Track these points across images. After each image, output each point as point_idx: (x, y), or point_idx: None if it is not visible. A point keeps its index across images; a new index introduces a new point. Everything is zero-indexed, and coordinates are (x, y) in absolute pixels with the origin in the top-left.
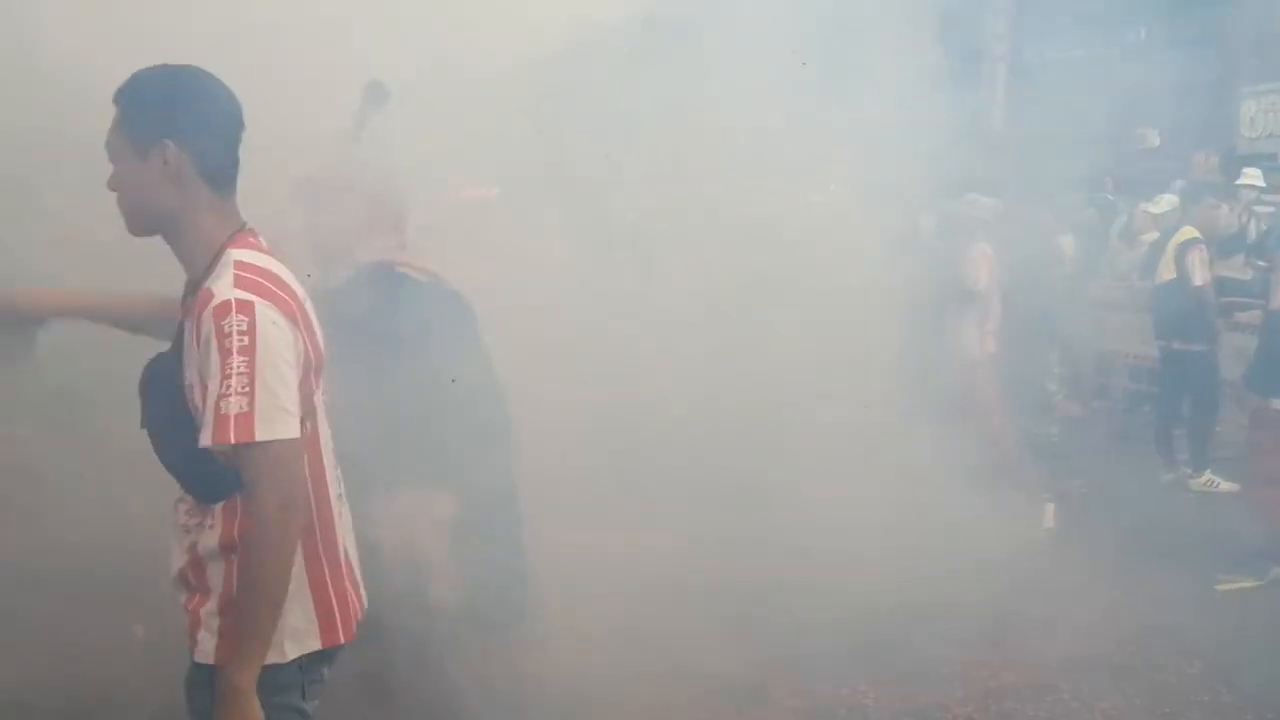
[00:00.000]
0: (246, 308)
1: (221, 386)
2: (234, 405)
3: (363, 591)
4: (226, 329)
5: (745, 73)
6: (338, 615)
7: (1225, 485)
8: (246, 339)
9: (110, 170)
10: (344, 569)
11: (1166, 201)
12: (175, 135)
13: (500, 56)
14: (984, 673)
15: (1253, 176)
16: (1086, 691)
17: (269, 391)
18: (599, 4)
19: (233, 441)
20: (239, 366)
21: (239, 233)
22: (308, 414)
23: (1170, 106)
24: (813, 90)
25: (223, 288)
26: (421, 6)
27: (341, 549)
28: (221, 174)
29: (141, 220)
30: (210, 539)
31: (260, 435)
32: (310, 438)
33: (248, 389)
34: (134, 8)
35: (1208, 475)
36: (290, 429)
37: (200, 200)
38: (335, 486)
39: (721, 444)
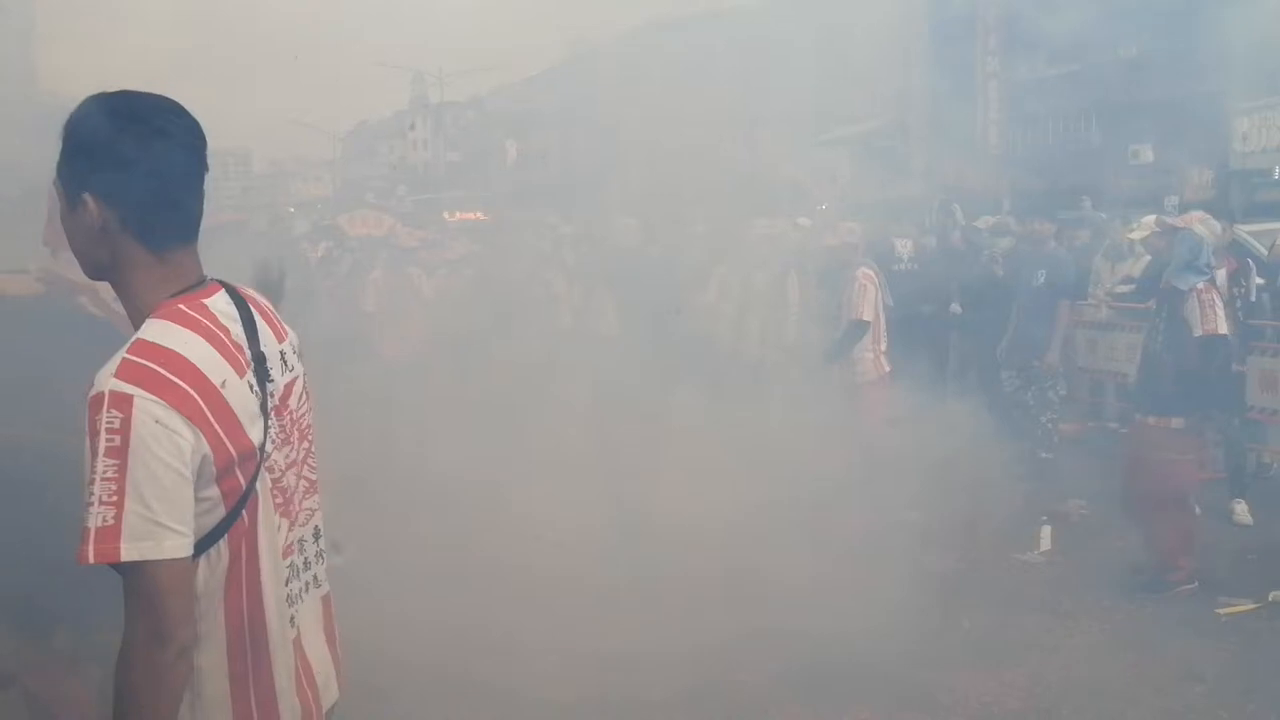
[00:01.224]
0: (122, 402)
1: (88, 493)
2: (96, 517)
3: (324, 691)
4: (97, 425)
5: (731, 94)
6: None
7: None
8: (118, 438)
9: None
10: (279, 691)
11: (1145, 225)
12: (95, 189)
13: (483, 78)
14: (986, 698)
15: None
16: (1090, 716)
17: (140, 502)
18: (588, 25)
19: (91, 561)
20: (106, 471)
21: (175, 295)
22: (243, 507)
23: (1163, 122)
24: (805, 111)
25: (103, 375)
26: (406, 29)
27: (283, 665)
28: (160, 230)
29: (87, 268)
30: None
31: (126, 555)
32: (244, 531)
33: (114, 498)
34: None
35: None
36: (168, 548)
37: (134, 258)
38: (279, 586)
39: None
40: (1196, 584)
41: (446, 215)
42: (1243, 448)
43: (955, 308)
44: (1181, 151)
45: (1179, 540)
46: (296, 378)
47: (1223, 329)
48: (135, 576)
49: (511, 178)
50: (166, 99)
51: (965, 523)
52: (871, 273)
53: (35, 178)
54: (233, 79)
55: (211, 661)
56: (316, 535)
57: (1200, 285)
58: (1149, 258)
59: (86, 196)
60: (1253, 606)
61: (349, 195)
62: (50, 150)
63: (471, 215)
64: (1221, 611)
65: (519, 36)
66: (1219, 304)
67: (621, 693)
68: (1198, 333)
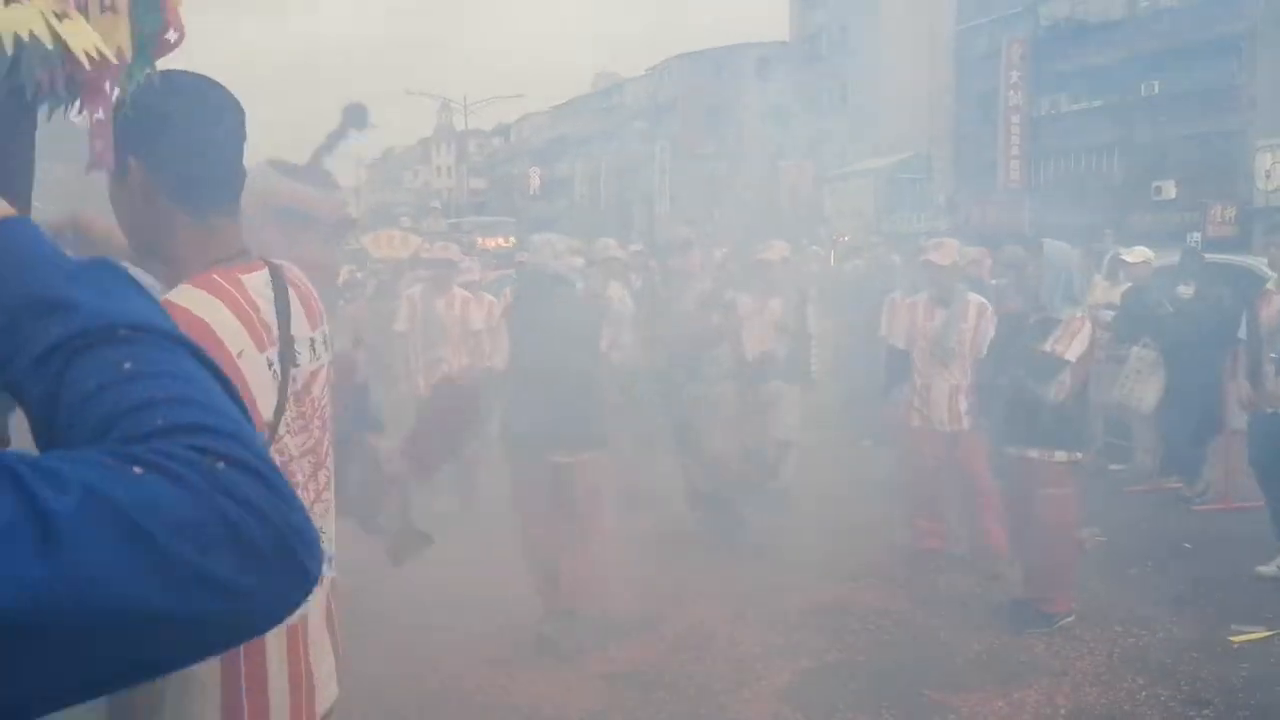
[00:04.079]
0: None
1: None
2: None
3: (322, 689)
4: None
5: (757, 125)
6: None
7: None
8: None
9: None
10: (271, 675)
11: (1139, 253)
12: (140, 151)
13: (509, 106)
14: (993, 718)
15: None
16: None
17: None
18: (614, 57)
19: None
20: None
21: (213, 265)
22: None
23: (1185, 159)
24: (831, 143)
25: None
26: (433, 57)
27: (275, 649)
28: (200, 194)
29: (134, 242)
30: None
31: None
32: None
33: None
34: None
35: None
36: None
37: (176, 225)
38: None
39: None
40: (1073, 616)
41: (479, 240)
42: None
43: None
44: (1204, 188)
45: (1058, 573)
46: (323, 366)
47: (1070, 356)
48: None
49: (535, 205)
50: (201, 74)
51: (979, 547)
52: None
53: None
54: (259, 104)
55: None
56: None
57: (1079, 314)
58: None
59: (131, 160)
60: (1266, 634)
61: (374, 221)
62: None
63: (494, 241)
64: (1234, 639)
65: (545, 67)
66: (1084, 335)
67: (626, 707)
68: (1046, 348)
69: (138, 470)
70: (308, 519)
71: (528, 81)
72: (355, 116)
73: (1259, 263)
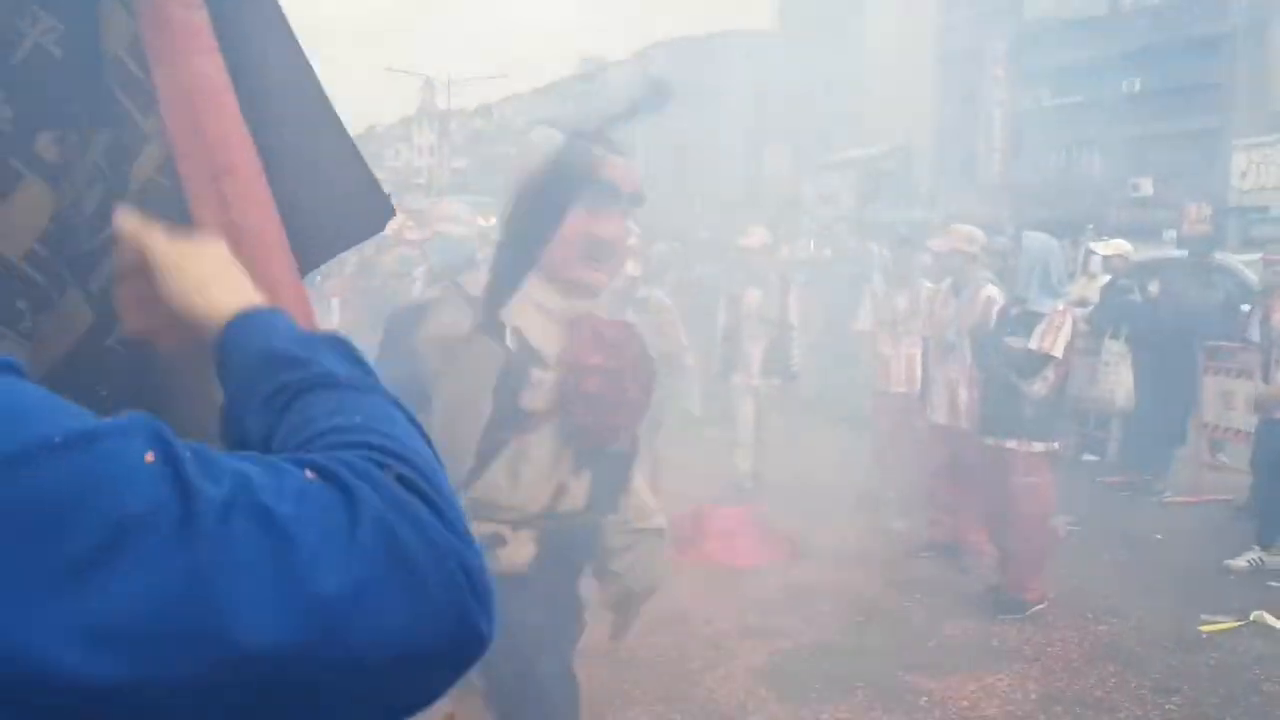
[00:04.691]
0: None
1: None
2: None
3: None
4: None
5: (740, 113)
6: None
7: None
8: None
9: None
10: None
11: (1114, 246)
12: None
13: (492, 86)
14: (963, 703)
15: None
16: None
17: None
18: (599, 40)
19: None
20: None
21: None
22: None
23: (1163, 156)
24: (813, 133)
25: None
26: (416, 35)
27: None
28: None
29: None
30: None
31: None
32: None
33: None
34: None
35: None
36: None
37: None
38: None
39: None
40: (1046, 603)
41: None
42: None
43: None
44: (1181, 186)
45: (1033, 563)
46: None
47: (1056, 352)
48: None
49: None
50: None
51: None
52: (999, 293)
53: None
54: None
55: None
56: None
57: (1060, 307)
58: (1105, 279)
59: None
60: (1235, 624)
61: None
62: None
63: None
64: (1204, 629)
65: (530, 48)
66: (1067, 328)
67: (599, 687)
68: (1032, 345)
69: (309, 475)
70: (486, 568)
71: (511, 62)
72: (657, 96)
73: (1248, 261)
